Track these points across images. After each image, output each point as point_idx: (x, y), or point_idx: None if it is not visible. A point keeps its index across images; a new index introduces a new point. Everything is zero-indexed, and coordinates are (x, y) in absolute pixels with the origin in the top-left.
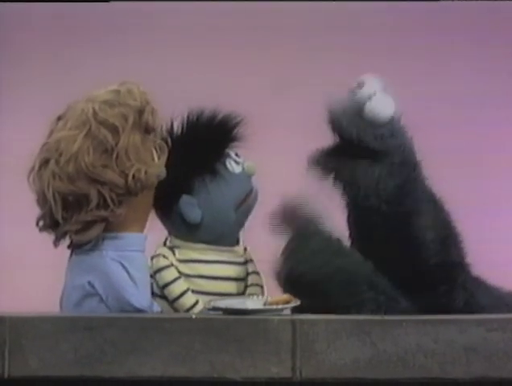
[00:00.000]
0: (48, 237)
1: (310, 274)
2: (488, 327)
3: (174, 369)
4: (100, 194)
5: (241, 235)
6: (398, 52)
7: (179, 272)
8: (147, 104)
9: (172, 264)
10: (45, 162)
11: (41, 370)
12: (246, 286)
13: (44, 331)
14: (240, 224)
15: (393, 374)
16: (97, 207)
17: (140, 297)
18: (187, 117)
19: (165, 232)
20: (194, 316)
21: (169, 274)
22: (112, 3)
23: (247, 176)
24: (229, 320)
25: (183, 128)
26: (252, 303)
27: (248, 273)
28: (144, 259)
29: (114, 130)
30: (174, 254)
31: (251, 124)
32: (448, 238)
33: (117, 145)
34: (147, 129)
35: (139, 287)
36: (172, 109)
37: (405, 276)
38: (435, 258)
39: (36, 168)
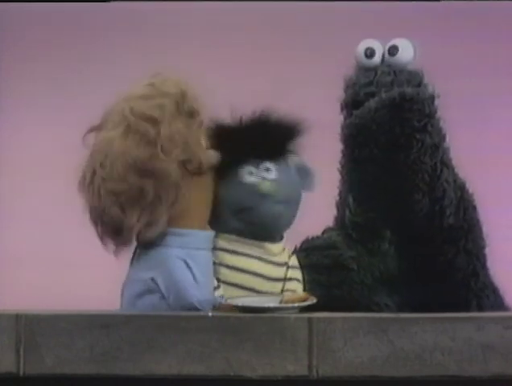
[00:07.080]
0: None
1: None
2: (505, 325)
3: (190, 367)
4: (154, 186)
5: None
6: None
7: None
8: (185, 89)
9: None
10: (93, 172)
11: (57, 367)
12: (282, 290)
13: (60, 329)
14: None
15: (410, 372)
16: (153, 201)
17: (202, 297)
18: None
19: None
20: (210, 314)
21: None
22: (112, 3)
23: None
24: (245, 318)
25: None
26: (268, 301)
27: (286, 278)
28: (209, 258)
29: (153, 121)
30: None
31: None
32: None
33: (159, 135)
34: (191, 113)
35: (202, 288)
36: None
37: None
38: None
39: (87, 180)
